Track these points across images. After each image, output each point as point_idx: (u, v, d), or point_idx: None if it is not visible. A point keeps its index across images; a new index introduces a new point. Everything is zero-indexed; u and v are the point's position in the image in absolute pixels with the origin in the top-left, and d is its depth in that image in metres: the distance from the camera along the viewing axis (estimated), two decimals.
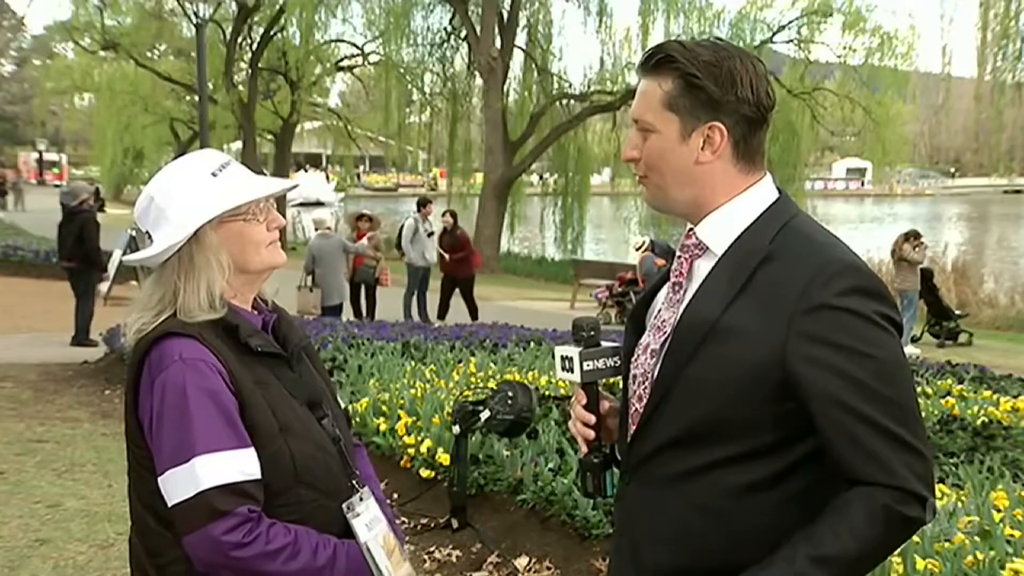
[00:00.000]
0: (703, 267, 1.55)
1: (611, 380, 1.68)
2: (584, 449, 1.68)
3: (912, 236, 13.03)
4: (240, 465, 1.63)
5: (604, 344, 1.66)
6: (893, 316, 1.45)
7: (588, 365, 1.63)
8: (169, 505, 1.63)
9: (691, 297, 1.54)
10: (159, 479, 1.64)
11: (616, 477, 1.66)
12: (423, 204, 13.35)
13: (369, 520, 1.80)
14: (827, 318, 1.40)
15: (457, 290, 13.29)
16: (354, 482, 1.82)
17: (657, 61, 1.53)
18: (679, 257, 1.60)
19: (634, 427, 1.58)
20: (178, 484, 1.61)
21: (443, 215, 13.81)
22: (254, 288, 1.84)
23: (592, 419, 1.65)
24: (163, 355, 1.66)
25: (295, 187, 1.96)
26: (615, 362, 1.65)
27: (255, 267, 1.79)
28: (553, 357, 1.80)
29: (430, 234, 13.17)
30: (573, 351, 1.63)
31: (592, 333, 1.65)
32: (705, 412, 1.47)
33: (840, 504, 1.39)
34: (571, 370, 1.64)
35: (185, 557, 1.64)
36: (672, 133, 1.52)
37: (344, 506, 1.77)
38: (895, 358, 1.41)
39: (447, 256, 13.15)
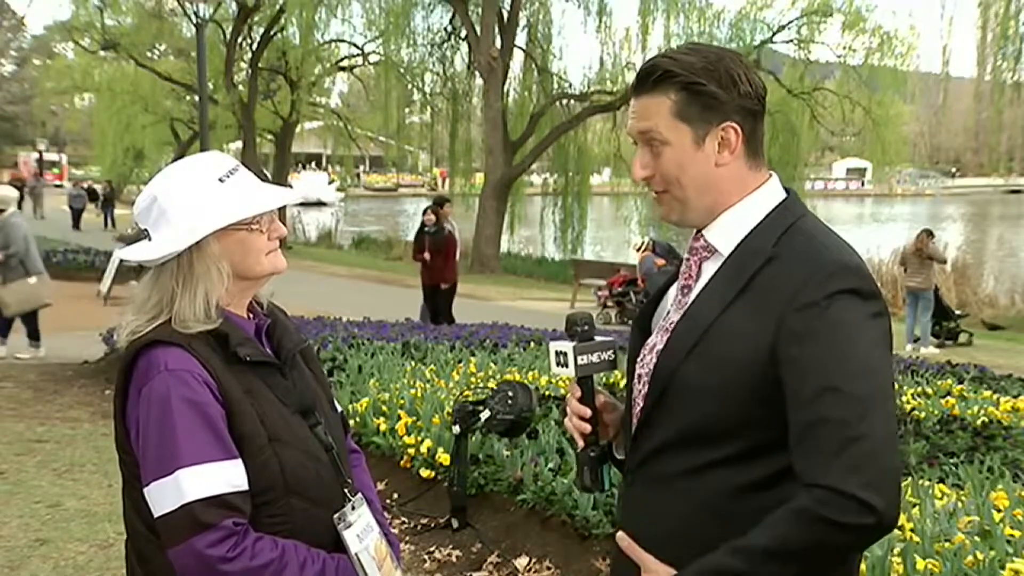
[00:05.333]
0: (710, 269, 1.55)
1: (610, 380, 1.68)
2: (580, 444, 1.68)
3: (928, 234, 12.94)
4: (226, 476, 1.60)
5: (598, 339, 1.66)
6: (884, 321, 1.44)
7: (582, 359, 1.63)
8: (154, 517, 1.61)
9: (694, 298, 1.54)
10: (144, 490, 1.62)
11: (613, 470, 1.66)
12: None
13: (361, 530, 1.78)
14: (814, 316, 1.39)
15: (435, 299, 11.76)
16: (346, 491, 1.79)
17: (655, 79, 1.52)
18: (688, 259, 1.60)
19: (635, 427, 1.58)
20: (162, 496, 1.59)
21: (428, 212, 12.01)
22: (251, 293, 1.82)
23: (587, 413, 1.65)
24: (149, 364, 1.64)
25: (300, 199, 1.94)
26: (610, 356, 1.66)
27: (256, 274, 1.77)
28: (548, 353, 1.80)
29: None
30: (567, 346, 1.63)
31: (586, 328, 1.65)
32: (702, 412, 1.47)
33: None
34: (565, 365, 1.64)
35: (172, 565, 1.62)
36: (686, 142, 1.51)
37: (335, 517, 1.74)
38: (875, 362, 1.38)
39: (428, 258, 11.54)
